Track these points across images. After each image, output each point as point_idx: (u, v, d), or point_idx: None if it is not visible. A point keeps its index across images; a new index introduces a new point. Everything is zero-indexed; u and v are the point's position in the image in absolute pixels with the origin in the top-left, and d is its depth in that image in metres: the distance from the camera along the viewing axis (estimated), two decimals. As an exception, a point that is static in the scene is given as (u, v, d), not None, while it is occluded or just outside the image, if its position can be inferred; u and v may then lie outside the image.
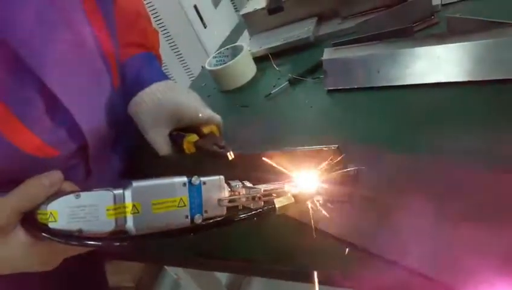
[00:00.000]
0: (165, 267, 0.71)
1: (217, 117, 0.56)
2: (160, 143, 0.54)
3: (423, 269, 0.34)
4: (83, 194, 0.32)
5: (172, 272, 0.72)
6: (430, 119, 0.51)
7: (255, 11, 0.89)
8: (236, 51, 0.84)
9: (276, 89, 0.72)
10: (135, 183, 0.32)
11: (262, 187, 0.37)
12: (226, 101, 0.82)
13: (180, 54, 2.12)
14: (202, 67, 0.97)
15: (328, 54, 0.64)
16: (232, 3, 2.42)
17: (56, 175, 0.34)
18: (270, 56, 0.81)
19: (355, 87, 0.61)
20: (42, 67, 0.44)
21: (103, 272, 0.70)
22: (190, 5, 1.99)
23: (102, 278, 0.70)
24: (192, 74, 2.18)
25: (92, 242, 0.31)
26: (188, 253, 0.50)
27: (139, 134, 0.57)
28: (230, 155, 0.46)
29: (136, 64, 0.59)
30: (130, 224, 0.32)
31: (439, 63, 0.54)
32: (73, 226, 0.31)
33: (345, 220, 0.43)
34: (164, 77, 0.59)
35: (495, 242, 0.34)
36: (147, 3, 1.94)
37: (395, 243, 0.38)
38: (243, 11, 0.92)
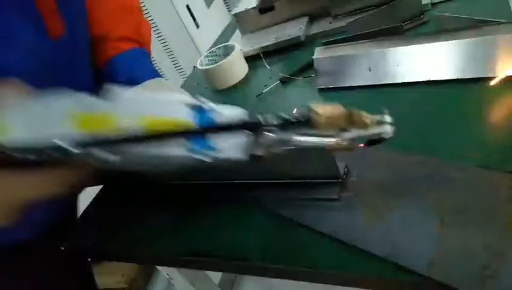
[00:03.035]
0: (158, 268, 0.71)
1: None
2: None
3: (416, 267, 0.35)
4: None
5: (164, 272, 0.72)
6: (420, 116, 0.51)
7: (247, 11, 0.89)
8: (228, 50, 0.84)
9: (268, 88, 0.72)
10: None
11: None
12: (218, 100, 0.81)
13: (173, 53, 2.11)
14: (194, 67, 0.97)
15: (319, 53, 0.64)
16: (225, 3, 2.42)
17: None
18: (261, 55, 0.81)
19: (347, 86, 0.61)
20: None
21: (90, 273, 0.69)
22: (182, 5, 1.98)
23: (89, 279, 0.69)
24: (184, 74, 2.17)
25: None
26: (181, 252, 0.50)
27: None
28: None
29: (128, 60, 0.59)
30: None
31: (429, 61, 0.54)
32: None
33: (337, 218, 0.43)
34: (156, 74, 0.58)
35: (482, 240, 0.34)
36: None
37: (387, 240, 0.38)
38: (235, 11, 0.92)
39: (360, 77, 0.60)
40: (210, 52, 0.86)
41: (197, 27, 2.07)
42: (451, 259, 0.34)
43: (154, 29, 2.02)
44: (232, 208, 0.51)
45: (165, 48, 2.09)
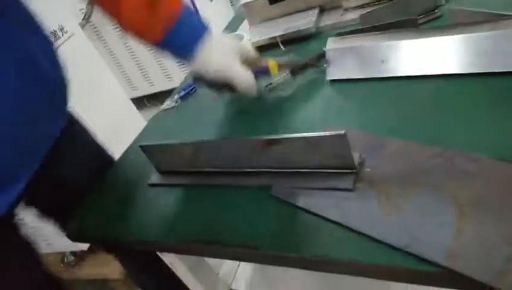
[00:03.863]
0: (160, 255, 0.70)
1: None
2: (251, 75, 0.62)
3: (435, 257, 0.34)
4: None
5: (167, 261, 0.71)
6: (434, 110, 0.51)
7: (256, 1, 0.88)
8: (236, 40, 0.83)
9: (277, 79, 0.71)
10: None
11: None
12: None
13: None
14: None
15: (331, 43, 0.63)
16: (228, -3, 2.40)
17: None
18: (279, 43, 0.80)
19: (359, 77, 0.61)
20: None
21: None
22: (186, -4, 1.96)
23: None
24: (184, 67, 2.15)
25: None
26: (188, 239, 0.49)
27: None
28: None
29: (182, 27, 0.58)
30: None
31: (444, 55, 0.54)
32: None
33: (351, 207, 0.42)
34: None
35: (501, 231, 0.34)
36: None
37: (404, 230, 0.37)
38: (244, 0, 0.91)
39: (373, 69, 0.59)
40: (218, 41, 0.85)
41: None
42: (471, 250, 0.33)
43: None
44: (242, 195, 0.51)
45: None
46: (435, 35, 0.55)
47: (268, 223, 0.46)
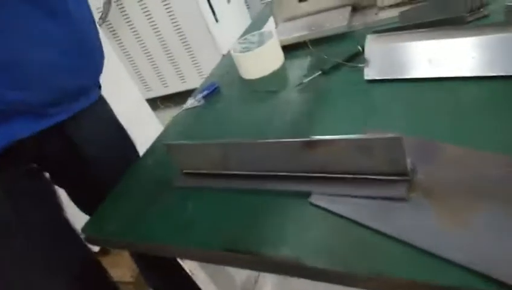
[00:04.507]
0: (180, 261, 0.66)
1: None
2: None
3: (508, 278, 0.30)
4: None
5: (187, 267, 0.67)
6: (488, 113, 0.46)
7: (284, -2, 0.85)
8: (263, 38, 0.79)
9: (309, 78, 0.67)
10: None
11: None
12: (250, 91, 0.77)
13: (190, 46, 2.07)
14: (223, 55, 0.93)
15: (371, 41, 0.59)
16: (245, 0, 2.38)
17: None
18: (307, 43, 0.76)
19: (402, 77, 0.56)
20: None
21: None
22: (204, -1, 1.94)
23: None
24: (200, 67, 2.13)
25: None
26: (220, 247, 0.45)
27: None
28: None
29: None
30: None
31: (501, 54, 0.49)
32: None
33: (405, 219, 0.38)
34: None
35: None
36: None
37: (469, 246, 0.33)
38: (270, -2, 0.87)
39: (418, 69, 0.55)
40: (244, 39, 0.81)
41: (216, 21, 2.03)
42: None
43: (173, 21, 1.99)
44: (276, 202, 0.47)
45: (182, 39, 2.05)
46: (489, 33, 0.50)
47: (308, 234, 0.41)
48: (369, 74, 0.59)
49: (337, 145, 0.42)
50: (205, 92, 0.79)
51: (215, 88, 0.80)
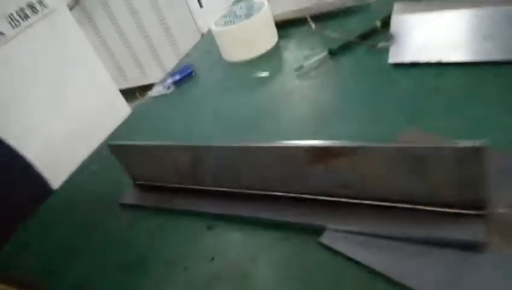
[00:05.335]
0: None
1: None
2: None
3: None
4: None
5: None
6: None
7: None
8: (251, 11, 0.63)
9: (312, 61, 0.51)
10: None
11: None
12: (238, 74, 0.60)
13: (171, 33, 1.89)
14: (202, 34, 0.76)
15: (400, 9, 0.43)
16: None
17: None
18: (308, 18, 0.60)
19: (445, 62, 0.41)
20: None
21: None
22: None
23: None
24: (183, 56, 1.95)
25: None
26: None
27: None
28: None
29: None
30: None
31: None
32: None
33: (474, 281, 0.22)
34: None
35: None
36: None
37: None
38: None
39: (469, 49, 0.39)
40: (228, 12, 0.65)
41: (201, 6, 1.85)
42: None
43: (153, 3, 1.80)
44: (264, 237, 0.31)
45: (163, 27, 1.86)
46: None
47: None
48: (396, 55, 0.44)
49: (368, 156, 0.26)
50: (177, 77, 0.62)
51: (190, 72, 0.63)
